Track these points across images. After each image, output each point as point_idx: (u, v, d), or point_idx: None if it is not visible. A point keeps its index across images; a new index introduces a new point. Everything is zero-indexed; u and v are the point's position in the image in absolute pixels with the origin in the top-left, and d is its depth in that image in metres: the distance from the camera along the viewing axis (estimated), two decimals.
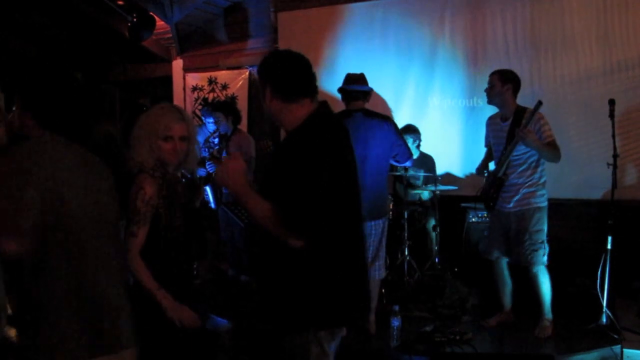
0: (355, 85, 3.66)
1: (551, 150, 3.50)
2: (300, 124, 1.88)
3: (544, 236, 3.61)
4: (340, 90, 3.68)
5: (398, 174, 4.77)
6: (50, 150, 1.70)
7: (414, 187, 5.08)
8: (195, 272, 2.38)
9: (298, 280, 1.86)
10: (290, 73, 1.90)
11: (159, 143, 2.18)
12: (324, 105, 1.97)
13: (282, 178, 1.80)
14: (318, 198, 1.75)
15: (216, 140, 5.24)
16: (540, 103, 3.48)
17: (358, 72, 3.79)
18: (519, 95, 3.70)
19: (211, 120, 5.26)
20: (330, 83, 4.34)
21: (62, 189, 1.66)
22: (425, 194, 5.04)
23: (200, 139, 5.20)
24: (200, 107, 6.50)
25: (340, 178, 1.86)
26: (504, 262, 3.79)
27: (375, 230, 3.58)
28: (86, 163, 1.79)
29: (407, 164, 3.87)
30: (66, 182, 1.68)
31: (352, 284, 1.95)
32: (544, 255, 3.59)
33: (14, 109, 2.41)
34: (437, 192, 4.81)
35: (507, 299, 3.85)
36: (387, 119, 3.72)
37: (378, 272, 3.65)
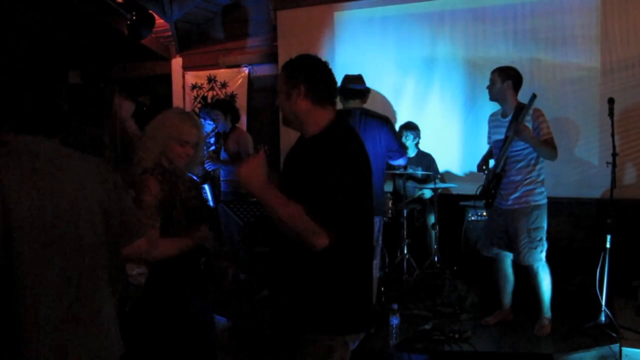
0: (354, 84, 3.66)
1: (548, 147, 3.50)
2: (324, 128, 1.95)
3: (542, 234, 3.59)
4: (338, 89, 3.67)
5: (398, 172, 4.77)
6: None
7: (416, 179, 5.03)
8: (202, 267, 2.44)
9: (334, 283, 1.88)
10: (325, 78, 1.97)
11: (173, 146, 2.27)
12: (341, 114, 2.06)
13: (313, 178, 1.82)
14: (352, 197, 1.83)
15: (212, 140, 5.24)
16: (534, 96, 3.47)
17: (358, 70, 3.79)
18: (520, 93, 3.70)
19: (209, 121, 5.26)
20: None
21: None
22: (427, 193, 5.02)
23: None
24: (199, 105, 6.50)
25: (366, 182, 1.95)
26: (508, 258, 3.76)
27: None
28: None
29: (401, 161, 3.87)
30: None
31: (370, 287, 2.04)
32: (541, 252, 3.58)
33: None
34: (438, 190, 4.81)
35: (507, 297, 3.84)
36: (384, 118, 3.72)
37: (375, 270, 3.66)
